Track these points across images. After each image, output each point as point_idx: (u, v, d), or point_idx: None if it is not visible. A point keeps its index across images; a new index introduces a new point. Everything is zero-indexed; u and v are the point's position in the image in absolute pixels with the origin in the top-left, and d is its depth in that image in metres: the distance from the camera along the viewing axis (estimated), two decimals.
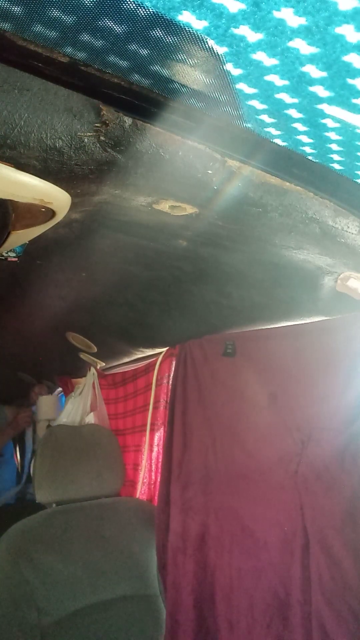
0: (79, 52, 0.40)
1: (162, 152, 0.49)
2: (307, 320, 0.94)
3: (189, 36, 0.35)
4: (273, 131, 0.47)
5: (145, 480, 1.67)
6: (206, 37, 0.34)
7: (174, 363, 1.39)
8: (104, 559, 1.28)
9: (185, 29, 0.34)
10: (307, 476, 0.92)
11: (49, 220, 0.61)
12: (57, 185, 0.53)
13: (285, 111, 0.42)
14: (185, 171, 0.52)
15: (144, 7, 0.32)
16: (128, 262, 0.97)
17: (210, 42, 0.35)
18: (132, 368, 1.80)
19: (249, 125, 0.47)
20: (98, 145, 0.47)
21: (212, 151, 0.51)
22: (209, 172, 0.52)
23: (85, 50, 0.39)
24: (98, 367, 2.01)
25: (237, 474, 1.10)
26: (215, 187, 0.55)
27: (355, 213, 0.60)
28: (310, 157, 0.51)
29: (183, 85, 0.42)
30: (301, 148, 0.49)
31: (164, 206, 0.63)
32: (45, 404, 2.55)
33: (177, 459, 1.24)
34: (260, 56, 0.35)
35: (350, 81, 0.36)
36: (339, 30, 0.31)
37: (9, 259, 0.92)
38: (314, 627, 0.85)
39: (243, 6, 0.31)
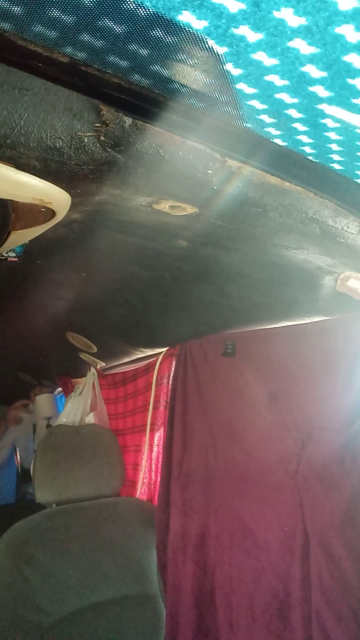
0: (79, 52, 0.40)
1: (162, 152, 0.49)
2: (307, 320, 0.94)
3: (189, 36, 0.35)
4: (273, 131, 0.47)
5: (145, 480, 1.67)
6: (206, 37, 0.34)
7: (174, 363, 1.39)
8: (104, 558, 1.28)
9: (185, 29, 0.34)
10: (307, 476, 0.92)
11: (49, 220, 0.61)
12: (57, 185, 0.53)
13: (285, 111, 0.42)
14: (185, 171, 0.52)
15: (144, 7, 0.32)
16: (128, 262, 0.97)
17: (210, 42, 0.35)
18: (132, 368, 1.80)
19: (249, 125, 0.47)
20: (98, 145, 0.47)
21: (212, 151, 0.51)
22: (209, 172, 0.52)
23: (85, 50, 0.39)
24: (98, 367, 2.01)
25: (237, 474, 1.10)
26: (215, 187, 0.55)
27: (355, 213, 0.60)
28: (310, 157, 0.51)
29: (183, 85, 0.42)
30: (301, 148, 0.49)
31: (164, 206, 0.63)
32: (42, 402, 2.59)
33: (177, 459, 1.24)
34: (260, 56, 0.35)
35: (350, 81, 0.36)
36: (339, 30, 0.31)
37: (9, 259, 0.92)
38: (314, 627, 0.85)
39: (243, 6, 0.31)
